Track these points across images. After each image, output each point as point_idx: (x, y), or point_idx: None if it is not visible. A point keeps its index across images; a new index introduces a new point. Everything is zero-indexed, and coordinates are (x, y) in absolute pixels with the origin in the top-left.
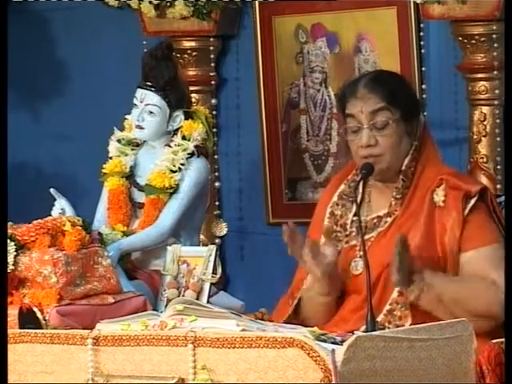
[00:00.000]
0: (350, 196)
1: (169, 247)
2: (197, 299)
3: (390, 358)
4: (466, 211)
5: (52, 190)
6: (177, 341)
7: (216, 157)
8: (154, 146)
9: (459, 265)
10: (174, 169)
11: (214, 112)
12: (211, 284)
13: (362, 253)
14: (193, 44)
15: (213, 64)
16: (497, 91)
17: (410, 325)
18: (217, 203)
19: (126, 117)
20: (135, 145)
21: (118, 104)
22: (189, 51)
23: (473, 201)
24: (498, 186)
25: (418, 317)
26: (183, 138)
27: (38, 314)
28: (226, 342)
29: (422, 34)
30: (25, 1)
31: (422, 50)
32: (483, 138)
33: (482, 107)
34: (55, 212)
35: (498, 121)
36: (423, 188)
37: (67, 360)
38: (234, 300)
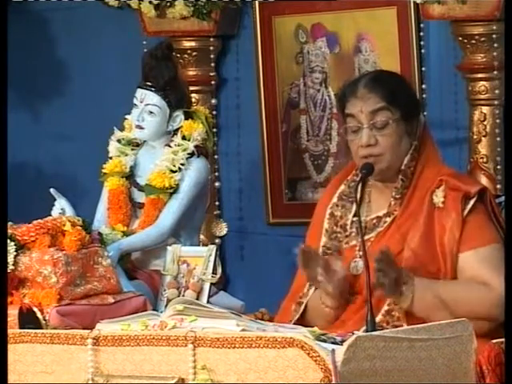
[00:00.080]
0: (349, 196)
1: (169, 247)
2: (197, 299)
3: (389, 358)
4: (465, 212)
5: (52, 190)
6: (177, 341)
7: (216, 157)
8: (153, 146)
9: (457, 265)
10: (174, 169)
11: (214, 112)
12: (211, 284)
13: (361, 253)
14: (193, 44)
15: (213, 64)
16: (497, 91)
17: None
18: (217, 203)
19: (126, 117)
20: (135, 145)
21: (117, 104)
22: (189, 51)
23: (472, 201)
24: (498, 186)
25: (413, 323)
26: (183, 138)
27: (38, 314)
28: (226, 342)
29: (422, 33)
30: (25, 1)
31: (422, 50)
32: (483, 138)
33: (482, 107)
34: (55, 212)
35: (498, 121)
36: (423, 188)
37: (67, 360)
38: (234, 300)
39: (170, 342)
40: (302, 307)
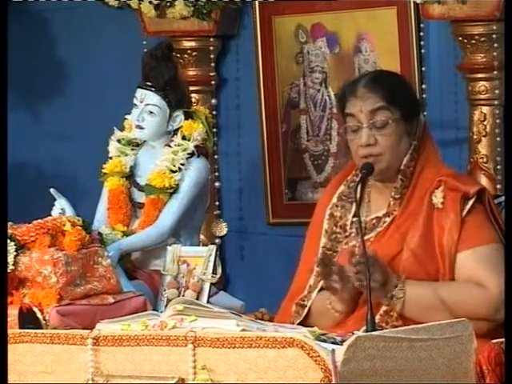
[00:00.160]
0: (349, 197)
1: (169, 247)
2: (197, 299)
3: (389, 358)
4: (464, 213)
5: (52, 190)
6: (177, 341)
7: (216, 157)
8: (153, 146)
9: (455, 265)
10: (174, 169)
11: (214, 112)
12: (211, 284)
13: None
14: (193, 44)
15: (213, 64)
16: (497, 91)
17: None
18: (217, 203)
19: (126, 117)
20: (135, 145)
21: (118, 104)
22: (189, 51)
23: (471, 202)
24: (498, 186)
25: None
26: (183, 138)
27: (38, 314)
28: (226, 342)
29: (422, 33)
30: (25, 1)
31: (422, 50)
32: (483, 138)
33: (482, 107)
34: (55, 212)
35: (498, 121)
36: (422, 188)
37: (67, 360)
38: (234, 300)
39: (170, 342)
40: (306, 310)
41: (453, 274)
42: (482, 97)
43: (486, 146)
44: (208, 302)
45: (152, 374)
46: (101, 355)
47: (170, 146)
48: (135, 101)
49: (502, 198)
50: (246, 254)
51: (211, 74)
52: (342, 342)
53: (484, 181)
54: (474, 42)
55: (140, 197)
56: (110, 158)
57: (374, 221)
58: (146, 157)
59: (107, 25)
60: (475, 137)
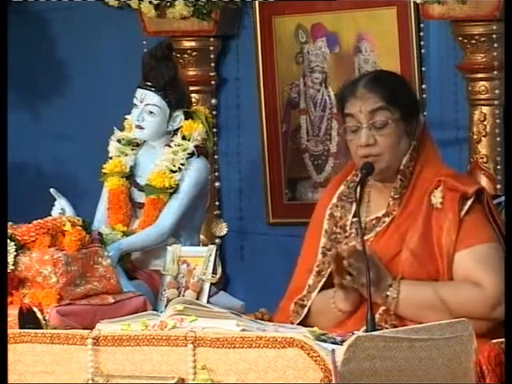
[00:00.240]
0: (349, 197)
1: (169, 247)
2: (197, 299)
3: (389, 358)
4: (463, 213)
5: (52, 190)
6: (177, 341)
7: (216, 157)
8: (153, 146)
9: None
10: (174, 169)
11: (214, 112)
12: (211, 284)
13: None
14: (193, 44)
15: (213, 64)
16: (497, 91)
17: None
18: (217, 203)
19: (126, 117)
20: (135, 145)
21: (118, 104)
22: (189, 51)
23: (469, 202)
24: (498, 186)
25: (405, 324)
26: (183, 138)
27: (38, 314)
28: (226, 342)
29: (422, 33)
30: (25, 1)
31: (422, 50)
32: (483, 138)
33: (482, 107)
34: (55, 212)
35: (498, 121)
36: (421, 188)
37: (67, 360)
38: (234, 300)
39: (170, 342)
40: (305, 310)
41: (451, 274)
42: (482, 97)
43: (486, 146)
44: (208, 302)
45: (152, 374)
46: (101, 355)
47: (170, 146)
48: (135, 101)
49: (502, 198)
50: (246, 253)
51: (211, 74)
52: (341, 342)
53: (484, 181)
54: (474, 41)
55: (140, 197)
56: (110, 157)
57: (373, 221)
58: (146, 157)
59: (107, 25)
60: (475, 137)
